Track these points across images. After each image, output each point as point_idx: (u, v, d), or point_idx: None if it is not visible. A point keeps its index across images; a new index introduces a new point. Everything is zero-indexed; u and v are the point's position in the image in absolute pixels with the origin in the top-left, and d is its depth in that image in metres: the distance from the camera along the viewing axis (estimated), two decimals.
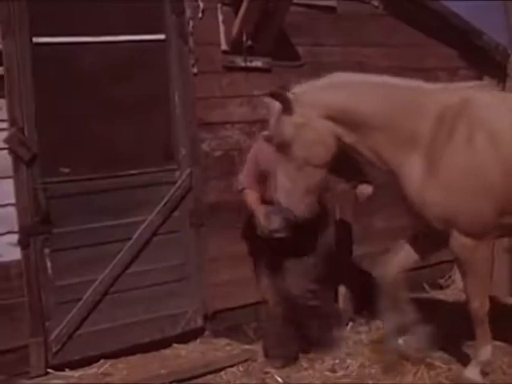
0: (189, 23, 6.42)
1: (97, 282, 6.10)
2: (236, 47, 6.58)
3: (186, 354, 6.23)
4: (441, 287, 7.90)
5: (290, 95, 4.96)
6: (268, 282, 5.96)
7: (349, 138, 5.09)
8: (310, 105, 4.99)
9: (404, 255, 5.48)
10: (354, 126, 5.05)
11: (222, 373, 6.00)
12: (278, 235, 5.37)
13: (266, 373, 5.85)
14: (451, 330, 5.97)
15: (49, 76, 5.93)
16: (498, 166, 4.91)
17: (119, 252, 6.18)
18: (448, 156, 4.97)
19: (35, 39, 5.85)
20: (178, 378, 5.85)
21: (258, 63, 6.73)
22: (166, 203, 6.36)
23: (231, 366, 6.08)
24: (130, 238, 6.20)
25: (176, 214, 6.43)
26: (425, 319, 5.46)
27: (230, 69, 6.62)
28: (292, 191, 5.02)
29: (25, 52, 5.78)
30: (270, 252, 5.85)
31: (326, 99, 5.02)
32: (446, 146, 4.98)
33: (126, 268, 6.22)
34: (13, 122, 5.73)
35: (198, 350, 6.32)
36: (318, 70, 6.95)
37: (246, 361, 6.14)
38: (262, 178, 5.79)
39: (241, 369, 6.05)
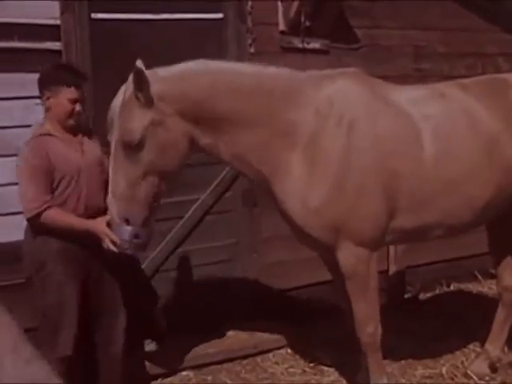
0: (247, 3, 6.37)
1: (148, 260, 6.10)
2: (294, 28, 6.50)
3: (234, 334, 6.21)
4: (493, 276, 7.79)
5: (152, 80, 4.07)
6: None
7: (205, 140, 4.33)
8: (167, 96, 4.13)
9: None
10: (214, 126, 4.28)
11: (270, 354, 6.02)
12: (138, 250, 4.44)
13: (316, 357, 5.86)
14: None
15: (106, 52, 5.93)
16: (380, 159, 4.42)
17: (171, 230, 6.18)
18: (333, 150, 4.37)
19: (94, 15, 5.85)
20: (226, 358, 5.88)
21: (315, 45, 6.65)
22: (219, 183, 6.34)
23: (279, 348, 6.10)
24: (182, 217, 6.20)
25: (229, 193, 6.41)
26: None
27: (288, 50, 6.53)
28: (132, 200, 4.18)
29: (83, 28, 5.77)
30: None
31: (183, 90, 4.18)
32: (330, 138, 4.38)
33: (178, 246, 6.23)
34: None
35: (247, 330, 6.30)
36: (376, 52, 6.97)
37: (295, 343, 6.14)
38: (63, 186, 4.56)
39: (289, 351, 6.07)
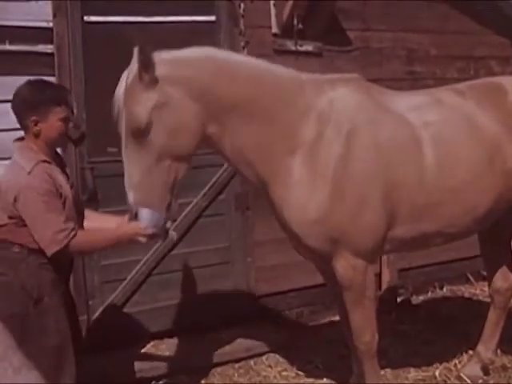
0: (240, 5, 6.36)
1: (141, 263, 6.11)
2: (287, 31, 6.51)
3: (227, 338, 6.19)
4: (485, 278, 7.79)
5: (157, 61, 3.98)
6: None
7: (212, 128, 4.20)
8: (172, 78, 4.03)
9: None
10: (219, 113, 4.16)
11: (264, 357, 6.02)
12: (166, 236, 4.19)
13: (309, 360, 5.86)
14: None
15: (99, 55, 5.90)
16: (380, 168, 4.36)
17: None
18: (333, 159, 4.29)
19: (86, 18, 5.84)
20: (219, 361, 5.87)
21: (308, 47, 6.65)
22: (212, 186, 6.33)
23: (273, 352, 6.09)
24: (175, 220, 6.18)
25: (222, 196, 6.41)
26: None
27: (281, 52, 6.53)
28: (150, 188, 4.01)
29: (76, 30, 5.76)
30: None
31: (188, 73, 4.09)
32: (330, 146, 4.31)
33: (171, 249, 6.21)
34: None
35: (240, 334, 6.29)
36: (368, 55, 6.98)
37: (287, 346, 6.13)
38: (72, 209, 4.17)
39: (282, 354, 6.05)
